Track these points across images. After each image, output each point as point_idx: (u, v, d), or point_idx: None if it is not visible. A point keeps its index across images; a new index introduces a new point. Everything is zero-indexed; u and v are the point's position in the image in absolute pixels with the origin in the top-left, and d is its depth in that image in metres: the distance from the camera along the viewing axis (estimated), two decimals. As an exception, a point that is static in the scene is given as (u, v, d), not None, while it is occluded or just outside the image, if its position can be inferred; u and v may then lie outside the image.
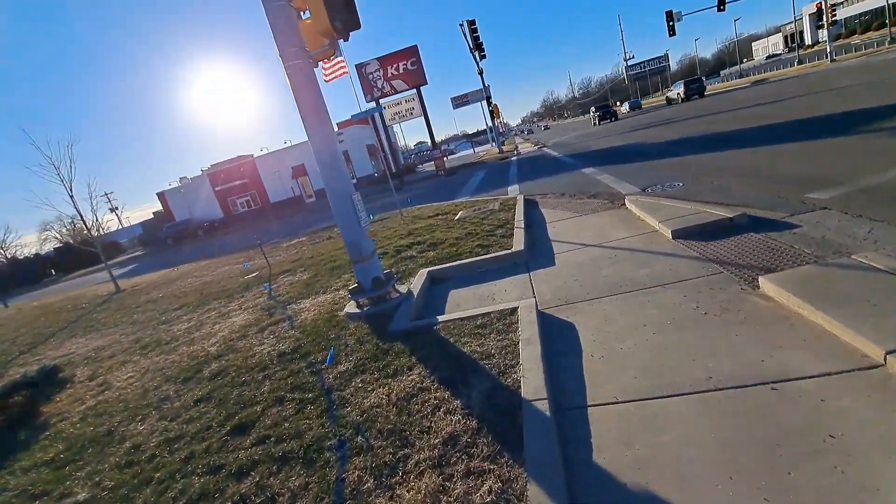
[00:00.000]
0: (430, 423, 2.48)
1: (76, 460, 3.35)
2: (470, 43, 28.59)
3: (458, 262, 5.59)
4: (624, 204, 6.65)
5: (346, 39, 4.47)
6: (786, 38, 72.91)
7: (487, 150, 46.01)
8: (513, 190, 12.04)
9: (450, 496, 1.94)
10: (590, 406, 2.42)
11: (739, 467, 1.83)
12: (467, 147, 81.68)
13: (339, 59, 27.69)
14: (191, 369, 4.51)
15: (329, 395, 3.13)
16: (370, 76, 31.05)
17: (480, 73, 31.56)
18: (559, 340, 3.24)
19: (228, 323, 5.93)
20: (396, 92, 31.52)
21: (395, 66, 30.75)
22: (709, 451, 1.94)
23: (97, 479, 2.99)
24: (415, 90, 31.29)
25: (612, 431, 2.20)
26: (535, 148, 28.85)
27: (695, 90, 33.72)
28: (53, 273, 43.12)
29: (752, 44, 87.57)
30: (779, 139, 9.06)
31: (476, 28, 28.42)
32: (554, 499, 1.79)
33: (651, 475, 1.89)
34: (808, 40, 60.58)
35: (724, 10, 32.25)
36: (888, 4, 39.17)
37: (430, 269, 5.63)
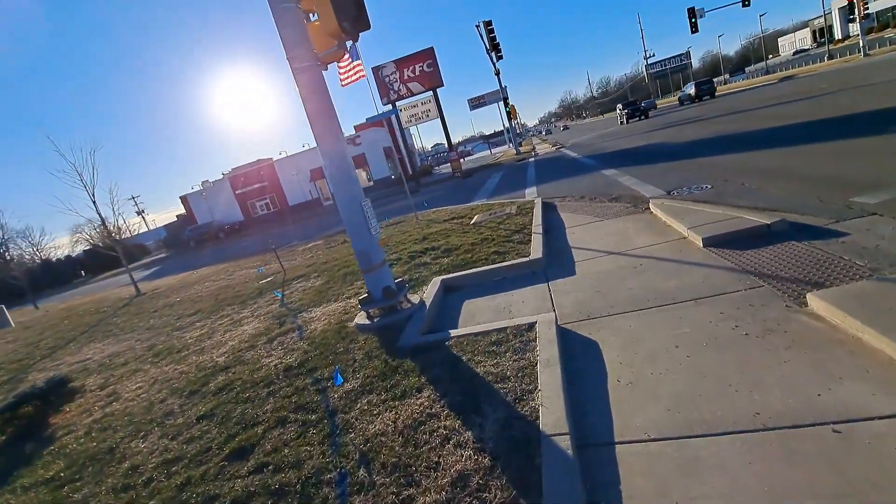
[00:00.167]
0: (439, 457, 2.25)
1: (75, 480, 3.23)
2: (487, 44, 28.32)
3: (473, 271, 5.35)
4: (648, 208, 6.30)
5: (355, 40, 4.30)
6: (814, 32, 70.36)
7: (504, 152, 45.61)
8: (530, 192, 11.73)
9: (458, 550, 1.71)
10: (618, 443, 2.15)
11: (801, 530, 1.54)
12: (484, 148, 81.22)
13: (357, 62, 27.80)
14: (197, 382, 4.39)
15: (333, 418, 2.94)
16: (386, 79, 30.99)
17: (497, 73, 31.27)
18: (581, 361, 2.97)
19: (239, 332, 5.82)
20: (413, 94, 31.36)
21: (411, 68, 30.62)
22: (761, 506, 1.66)
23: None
24: (431, 92, 31.09)
25: (644, 476, 1.93)
26: (554, 149, 28.37)
27: (706, 91, 34.79)
28: (83, 274, 44.50)
29: (778, 39, 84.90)
30: (812, 138, 8.54)
31: (493, 29, 28.14)
32: (579, 562, 1.54)
33: (693, 534, 1.63)
34: (837, 35, 58.24)
35: (748, 5, 31.24)
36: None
37: (444, 277, 5.41)
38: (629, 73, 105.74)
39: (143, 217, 67.32)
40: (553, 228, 6.71)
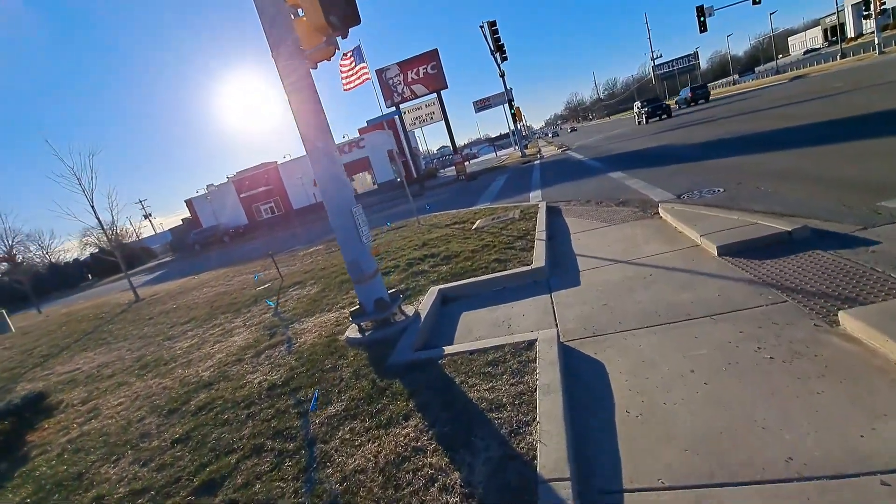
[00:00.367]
0: (421, 503, 1.98)
1: (38, 510, 3.00)
2: (491, 45, 28.06)
3: (472, 280, 5.07)
4: (657, 213, 5.99)
5: (344, 36, 4.05)
6: (825, 31, 69.36)
7: (510, 154, 45.28)
8: (535, 196, 11.42)
9: None
10: (626, 491, 1.86)
11: None
12: (490, 151, 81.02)
13: (362, 65, 27.70)
14: (179, 399, 4.15)
15: (311, 448, 2.67)
16: (390, 81, 30.84)
17: (502, 75, 31.00)
18: (585, 387, 2.68)
19: (229, 343, 5.59)
20: (417, 96, 31.18)
21: (415, 70, 30.45)
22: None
23: (49, 540, 2.62)
24: (435, 94, 30.92)
25: (658, 536, 1.64)
26: (560, 151, 28.01)
27: (700, 95, 36.25)
28: (90, 278, 44.79)
29: (789, 39, 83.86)
30: (830, 138, 8.17)
31: (497, 29, 27.87)
32: None
33: None
34: (850, 33, 57.33)
35: (759, 2, 30.76)
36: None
37: (442, 286, 5.13)
38: (636, 75, 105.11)
39: (150, 220, 67.79)
40: (557, 234, 6.41)
